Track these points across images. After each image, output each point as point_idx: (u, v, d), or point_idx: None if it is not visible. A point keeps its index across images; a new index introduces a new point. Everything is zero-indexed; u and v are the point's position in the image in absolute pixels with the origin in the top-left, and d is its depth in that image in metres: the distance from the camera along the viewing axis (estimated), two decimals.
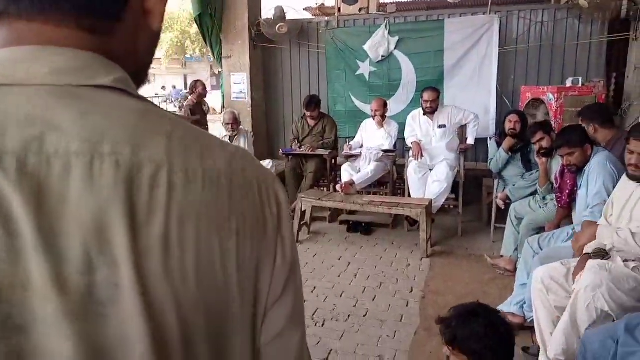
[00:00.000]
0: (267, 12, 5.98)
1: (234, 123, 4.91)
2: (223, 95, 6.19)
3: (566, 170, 2.85)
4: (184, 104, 6.02)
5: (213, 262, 0.44)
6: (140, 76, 0.52)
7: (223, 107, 6.15)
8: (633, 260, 2.00)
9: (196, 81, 5.86)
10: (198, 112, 5.82)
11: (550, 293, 2.31)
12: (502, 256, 3.77)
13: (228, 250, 0.45)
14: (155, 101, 22.64)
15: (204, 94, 6.04)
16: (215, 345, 0.46)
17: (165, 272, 0.41)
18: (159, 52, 26.96)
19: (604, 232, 2.11)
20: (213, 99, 11.24)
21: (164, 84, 26.45)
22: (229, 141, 4.97)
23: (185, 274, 0.42)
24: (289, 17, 6.03)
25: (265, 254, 0.49)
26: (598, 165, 2.61)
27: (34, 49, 0.43)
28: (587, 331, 1.88)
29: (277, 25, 5.67)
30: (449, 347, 1.59)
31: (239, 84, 5.95)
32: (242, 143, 5.02)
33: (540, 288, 2.33)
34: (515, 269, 3.33)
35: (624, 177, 2.13)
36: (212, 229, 0.44)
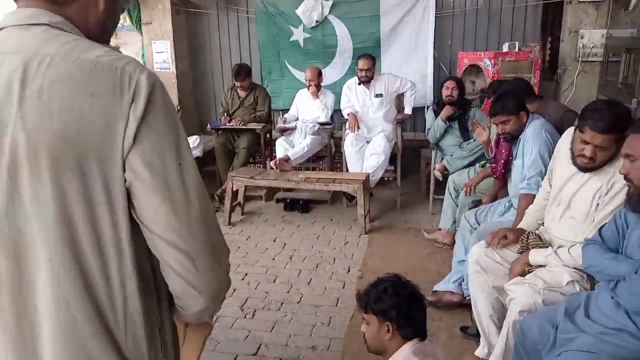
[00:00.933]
0: None
1: None
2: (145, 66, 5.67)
3: (501, 139, 2.72)
4: None
5: (71, 106, 0.73)
6: (101, 40, 0.84)
7: None
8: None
9: None
10: None
11: (487, 273, 2.19)
12: (440, 229, 3.67)
13: (84, 101, 0.73)
14: None
15: None
16: (77, 164, 0.74)
17: (37, 110, 0.73)
18: None
19: (536, 256, 1.97)
20: None
21: None
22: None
23: (51, 112, 0.73)
24: None
25: (118, 113, 0.74)
26: (533, 134, 2.49)
27: (24, 10, 0.81)
28: (526, 318, 1.76)
29: None
30: (363, 312, 1.63)
31: (162, 53, 5.46)
32: None
33: (476, 269, 2.21)
34: (454, 242, 3.23)
35: (567, 158, 1.96)
36: (73, 88, 0.74)
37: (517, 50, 4.56)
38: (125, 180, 0.76)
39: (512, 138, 2.64)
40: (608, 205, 1.79)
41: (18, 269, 0.78)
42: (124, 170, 0.76)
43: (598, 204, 1.83)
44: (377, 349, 1.61)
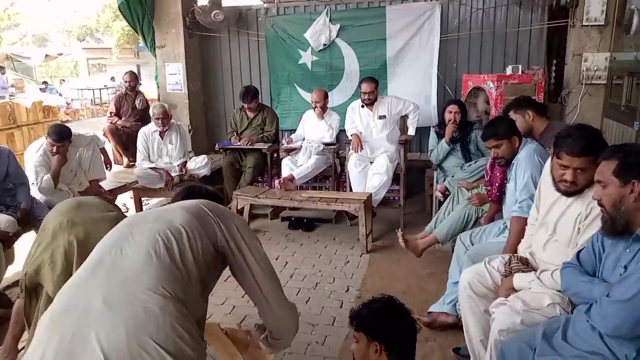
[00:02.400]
0: None
1: (164, 117, 4.60)
2: (158, 87, 5.86)
3: (495, 164, 2.75)
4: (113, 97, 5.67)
5: None
6: None
7: (159, 99, 5.83)
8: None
9: (126, 72, 5.51)
10: (126, 105, 5.48)
11: (479, 298, 2.20)
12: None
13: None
14: (105, 93, 21.87)
15: (132, 85, 5.70)
16: None
17: None
18: (109, 41, 25.92)
19: (519, 282, 2.00)
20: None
21: (114, 75, 25.44)
22: (159, 137, 4.70)
23: None
24: (230, 3, 5.77)
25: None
26: (525, 158, 2.52)
27: None
28: (506, 340, 1.78)
29: (213, 13, 5.39)
30: (354, 330, 1.64)
31: (175, 75, 5.65)
32: (174, 138, 4.74)
33: (468, 294, 2.22)
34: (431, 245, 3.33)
35: (551, 184, 2.00)
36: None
37: (520, 73, 4.60)
38: None
39: (506, 162, 2.68)
40: (588, 229, 1.81)
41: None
42: None
43: (579, 228, 1.85)
44: None
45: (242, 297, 3.28)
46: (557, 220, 1.97)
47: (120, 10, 5.44)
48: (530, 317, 1.80)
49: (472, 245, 2.78)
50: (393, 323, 1.57)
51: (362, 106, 4.63)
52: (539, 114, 3.09)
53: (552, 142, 1.96)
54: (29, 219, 3.34)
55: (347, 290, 3.34)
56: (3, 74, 14.39)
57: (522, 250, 2.30)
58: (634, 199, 1.48)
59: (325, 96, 4.87)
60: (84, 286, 1.27)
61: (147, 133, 4.71)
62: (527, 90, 4.49)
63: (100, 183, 4.27)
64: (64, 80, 22.73)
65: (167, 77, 5.71)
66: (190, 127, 5.72)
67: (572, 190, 1.88)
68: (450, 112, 4.11)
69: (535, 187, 2.45)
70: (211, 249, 1.47)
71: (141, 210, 4.59)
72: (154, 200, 5.34)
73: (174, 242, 1.36)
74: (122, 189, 4.61)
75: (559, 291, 1.85)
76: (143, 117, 5.63)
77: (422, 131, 5.13)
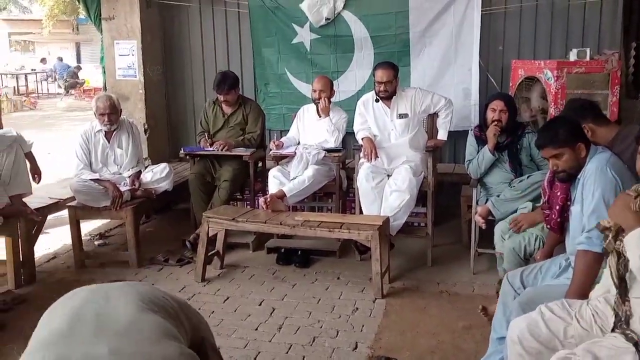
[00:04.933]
0: None
1: (112, 113, 4.59)
2: (104, 72, 5.91)
3: (555, 179, 2.77)
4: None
5: None
6: None
7: (105, 88, 5.88)
8: None
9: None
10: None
11: (530, 357, 2.20)
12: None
13: None
14: (32, 78, 21.91)
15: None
16: None
17: None
18: (39, 12, 26.08)
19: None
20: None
21: (45, 56, 25.64)
22: (104, 139, 4.71)
23: None
24: None
25: None
26: (595, 172, 2.53)
27: None
28: None
29: None
30: None
31: (127, 56, 5.71)
32: (125, 141, 4.75)
33: (519, 352, 2.22)
34: None
35: None
36: None
37: (588, 59, 4.65)
38: None
39: (569, 177, 2.70)
40: None
41: None
42: None
43: None
44: None
45: (256, 329, 3.27)
46: None
47: None
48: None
49: (524, 288, 2.79)
50: None
51: (377, 100, 4.66)
52: (598, 122, 3.09)
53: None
54: None
55: (356, 348, 3.34)
56: None
57: (596, 297, 2.31)
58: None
59: (332, 86, 4.92)
60: None
61: (89, 133, 4.72)
62: (597, 81, 4.55)
63: (25, 199, 4.28)
64: None
65: (116, 59, 5.77)
66: (146, 127, 5.76)
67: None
68: (494, 110, 4.14)
69: None
70: None
71: (79, 238, 4.59)
72: (94, 223, 5.35)
73: None
74: (54, 207, 4.61)
75: None
76: None
77: (458, 135, 5.16)
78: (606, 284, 2.27)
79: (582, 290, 2.40)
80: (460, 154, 5.45)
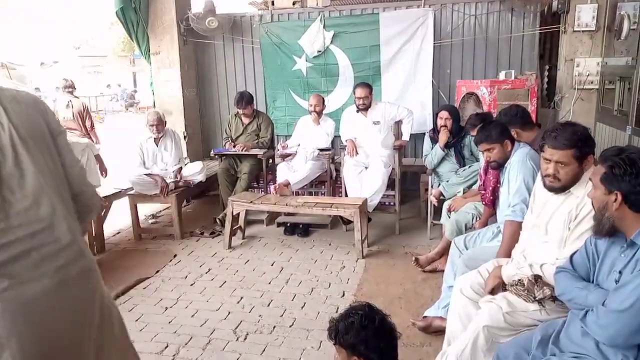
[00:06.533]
0: (198, 5, 5.70)
1: (159, 124, 4.59)
2: (153, 94, 5.85)
3: (489, 168, 2.77)
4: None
5: (34, 121, 1.28)
6: None
7: (154, 106, 5.82)
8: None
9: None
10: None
11: (470, 301, 2.20)
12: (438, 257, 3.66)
13: (37, 116, 1.29)
14: (101, 100, 21.82)
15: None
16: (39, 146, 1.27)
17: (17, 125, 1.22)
18: (105, 49, 25.88)
19: (508, 270, 2.02)
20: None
21: (109, 82, 25.42)
22: (154, 144, 4.68)
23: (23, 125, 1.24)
24: (225, 11, 5.78)
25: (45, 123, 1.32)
26: (518, 162, 2.54)
27: None
28: (502, 344, 1.78)
29: (207, 20, 5.40)
30: (333, 343, 1.61)
31: (170, 81, 5.64)
32: (169, 145, 4.72)
33: (461, 298, 2.22)
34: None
35: (541, 183, 2.02)
36: (32, 113, 1.29)
37: (513, 78, 4.63)
38: None
39: (498, 166, 2.69)
40: (577, 228, 1.83)
41: None
42: None
43: (569, 228, 1.86)
44: None
45: (237, 303, 3.28)
46: (548, 220, 1.98)
47: (117, 16, 5.44)
48: (515, 318, 1.82)
49: (467, 249, 2.79)
50: (369, 334, 1.51)
51: (357, 111, 4.64)
52: (524, 127, 3.05)
53: None
54: None
55: (343, 295, 3.34)
56: None
57: (517, 254, 2.30)
58: (616, 208, 1.50)
59: (323, 101, 4.89)
60: None
61: (142, 140, 4.70)
62: (520, 95, 4.52)
63: (95, 190, 4.25)
64: (58, 88, 22.66)
65: (162, 83, 5.71)
66: (185, 134, 5.72)
67: (556, 185, 1.90)
68: (442, 118, 4.13)
69: (528, 191, 2.46)
70: None
71: (136, 218, 4.57)
72: (148, 207, 5.33)
73: None
74: (117, 195, 4.60)
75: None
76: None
77: (418, 137, 5.15)
78: (522, 245, 2.25)
79: (508, 250, 2.39)
80: (419, 151, 5.44)
